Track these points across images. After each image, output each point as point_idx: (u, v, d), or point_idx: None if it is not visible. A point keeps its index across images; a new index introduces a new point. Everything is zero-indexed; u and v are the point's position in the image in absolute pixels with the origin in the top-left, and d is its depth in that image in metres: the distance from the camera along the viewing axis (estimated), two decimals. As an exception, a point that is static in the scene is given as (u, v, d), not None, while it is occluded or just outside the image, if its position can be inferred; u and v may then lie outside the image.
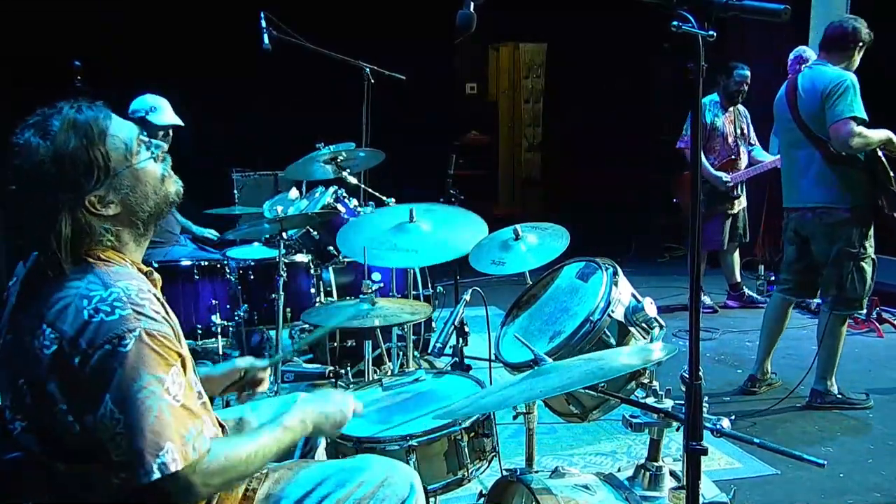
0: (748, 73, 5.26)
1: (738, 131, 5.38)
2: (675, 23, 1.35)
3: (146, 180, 1.47)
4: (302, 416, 1.57)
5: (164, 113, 3.89)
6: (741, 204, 5.48)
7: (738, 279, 5.81)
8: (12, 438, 1.40)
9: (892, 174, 3.53)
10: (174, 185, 1.54)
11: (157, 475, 1.27)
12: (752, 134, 5.47)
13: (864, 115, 3.44)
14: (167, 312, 1.41)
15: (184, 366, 1.39)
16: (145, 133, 1.52)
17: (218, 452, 1.37)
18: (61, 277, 1.37)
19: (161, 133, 3.86)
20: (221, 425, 1.63)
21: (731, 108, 5.35)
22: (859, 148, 3.46)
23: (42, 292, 1.37)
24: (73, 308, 1.32)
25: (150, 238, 1.54)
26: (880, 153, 3.52)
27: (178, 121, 3.93)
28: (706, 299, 5.71)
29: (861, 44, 3.58)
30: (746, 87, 5.28)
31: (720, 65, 5.36)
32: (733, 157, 5.34)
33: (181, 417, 1.32)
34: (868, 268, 3.62)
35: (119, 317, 1.31)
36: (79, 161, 1.38)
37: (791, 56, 5.00)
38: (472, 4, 1.72)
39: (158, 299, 1.41)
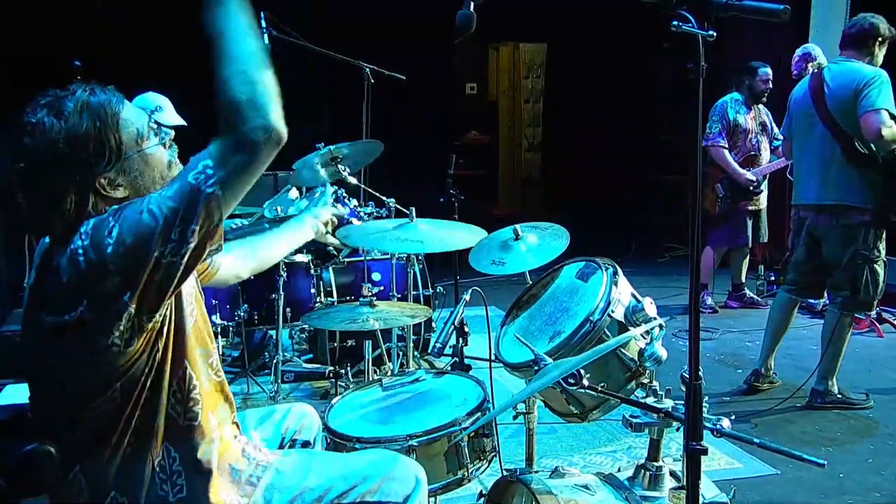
0: (770, 70, 5.39)
1: (759, 127, 5.46)
2: (675, 23, 1.35)
3: (154, 165, 1.49)
4: None
5: (170, 113, 3.90)
6: (763, 201, 5.53)
7: (743, 280, 5.83)
8: (36, 433, 1.42)
9: None
10: None
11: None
12: (776, 128, 5.51)
13: None
14: None
15: None
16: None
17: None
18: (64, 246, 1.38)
19: None
20: None
21: (753, 106, 5.44)
22: (889, 139, 3.43)
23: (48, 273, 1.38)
24: (72, 259, 1.33)
25: None
26: None
27: (182, 122, 3.94)
28: (708, 299, 5.72)
29: (881, 39, 3.58)
30: (771, 85, 5.39)
31: (741, 66, 5.53)
32: (753, 152, 5.42)
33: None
34: (881, 270, 3.60)
35: (93, 225, 1.34)
36: (92, 143, 1.39)
37: (798, 52, 4.98)
38: (472, 4, 1.73)
39: None
